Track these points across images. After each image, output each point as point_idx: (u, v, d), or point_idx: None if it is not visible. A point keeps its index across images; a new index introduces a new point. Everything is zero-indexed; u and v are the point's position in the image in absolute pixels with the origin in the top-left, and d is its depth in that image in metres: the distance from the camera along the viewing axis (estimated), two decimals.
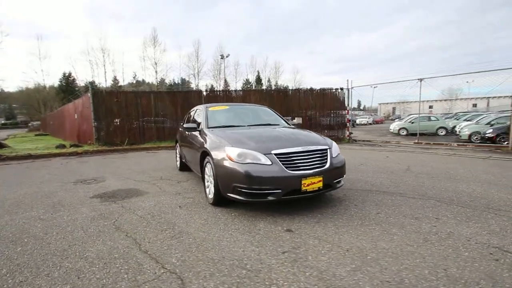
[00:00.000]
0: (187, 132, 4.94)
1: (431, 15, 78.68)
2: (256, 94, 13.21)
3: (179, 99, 12.88)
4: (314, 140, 3.40)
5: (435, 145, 10.58)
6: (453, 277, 1.83)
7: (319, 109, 12.81)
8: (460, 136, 12.58)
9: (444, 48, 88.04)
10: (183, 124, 5.89)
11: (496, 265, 1.95)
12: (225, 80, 41.37)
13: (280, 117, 4.85)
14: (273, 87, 42.56)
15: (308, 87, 13.06)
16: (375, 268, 1.96)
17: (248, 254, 2.21)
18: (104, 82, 40.01)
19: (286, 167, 2.91)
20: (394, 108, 48.91)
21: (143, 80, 46.95)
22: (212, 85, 41.38)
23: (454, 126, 15.33)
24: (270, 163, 2.91)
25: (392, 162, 6.48)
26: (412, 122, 16.06)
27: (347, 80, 12.46)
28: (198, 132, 4.19)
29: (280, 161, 2.94)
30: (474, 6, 77.37)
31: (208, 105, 4.73)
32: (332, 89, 12.79)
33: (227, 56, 32.56)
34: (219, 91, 14.59)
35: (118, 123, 11.87)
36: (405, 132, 16.36)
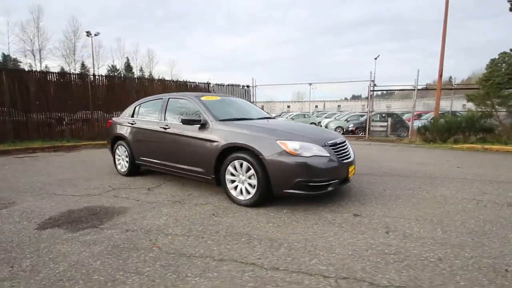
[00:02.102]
0: (159, 127, 4.00)
1: (281, 31, 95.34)
2: (160, 84, 11.82)
3: (53, 83, 9.61)
4: (335, 132, 3.73)
5: None
6: (489, 219, 2.70)
7: None
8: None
9: (289, 59, 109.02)
10: (130, 115, 4.67)
11: (489, 209, 3.01)
12: (83, 64, 33.47)
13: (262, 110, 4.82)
14: (147, 77, 38.72)
15: (218, 82, 13.01)
16: (450, 226, 2.56)
17: (368, 241, 2.28)
18: None
19: (338, 157, 3.09)
20: (262, 107, 56.22)
21: None
22: (62, 68, 32.49)
23: (319, 122, 19.69)
24: (328, 154, 2.99)
25: None
26: (293, 118, 19.28)
27: (252, 79, 13.44)
28: (198, 126, 3.52)
29: (334, 151, 3.08)
30: (314, 30, 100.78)
31: (197, 94, 4.00)
32: (240, 85, 13.38)
33: (95, 34, 25.90)
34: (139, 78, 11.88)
35: None
36: None
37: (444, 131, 8.52)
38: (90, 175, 4.88)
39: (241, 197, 3.17)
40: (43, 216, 2.98)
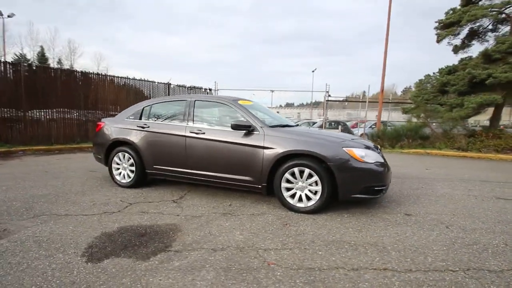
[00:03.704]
0: (189, 132, 3.62)
1: (221, 35, 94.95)
2: (118, 86, 10.45)
3: None
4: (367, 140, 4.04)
5: None
6: (497, 210, 3.35)
7: None
8: None
9: (229, 64, 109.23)
10: (138, 118, 4.07)
11: (488, 202, 3.74)
12: None
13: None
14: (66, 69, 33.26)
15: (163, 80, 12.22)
16: (482, 218, 3.08)
17: (446, 237, 2.56)
18: None
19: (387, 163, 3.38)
20: None
21: None
22: None
23: None
24: (383, 160, 3.24)
25: None
26: None
27: (215, 82, 13.16)
28: (244, 132, 3.34)
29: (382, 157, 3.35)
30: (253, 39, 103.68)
31: (233, 98, 3.74)
32: (202, 88, 12.90)
33: (9, 16, 20.18)
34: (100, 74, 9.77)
35: None
36: None
37: (393, 138, 10.08)
38: (76, 188, 4.01)
39: (300, 205, 3.13)
40: (76, 244, 2.35)
